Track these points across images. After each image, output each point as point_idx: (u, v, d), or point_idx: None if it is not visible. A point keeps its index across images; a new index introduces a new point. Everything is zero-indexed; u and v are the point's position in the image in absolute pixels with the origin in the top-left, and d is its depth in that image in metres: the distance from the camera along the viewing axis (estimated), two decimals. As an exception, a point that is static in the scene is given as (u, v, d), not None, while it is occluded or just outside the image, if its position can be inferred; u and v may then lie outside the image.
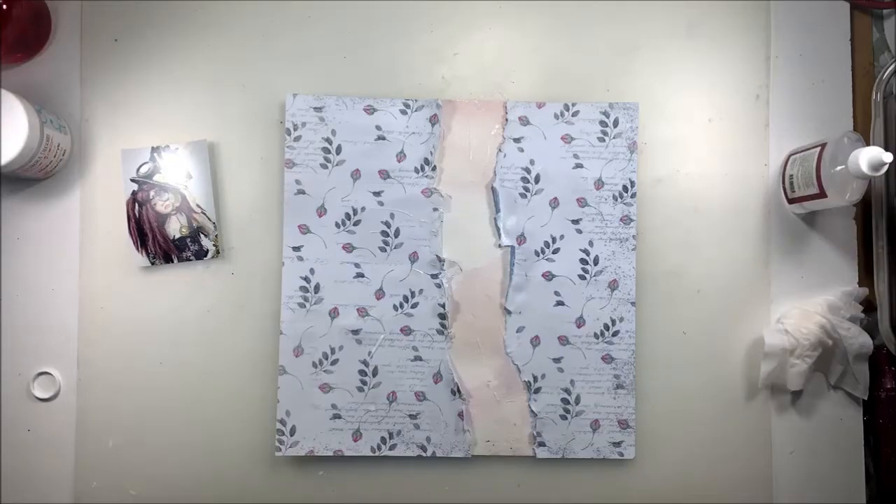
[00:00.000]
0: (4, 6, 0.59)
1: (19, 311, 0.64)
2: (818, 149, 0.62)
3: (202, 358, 0.64)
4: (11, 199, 0.64)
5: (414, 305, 0.64)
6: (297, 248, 0.64)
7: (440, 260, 0.64)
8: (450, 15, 0.67)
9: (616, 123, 0.65)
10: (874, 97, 0.67)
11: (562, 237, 0.65)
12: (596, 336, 0.64)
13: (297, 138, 0.64)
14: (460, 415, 0.64)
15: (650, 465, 0.65)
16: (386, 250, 0.64)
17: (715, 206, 0.67)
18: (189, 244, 0.64)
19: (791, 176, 0.65)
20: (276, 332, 0.63)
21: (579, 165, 0.65)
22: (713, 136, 0.67)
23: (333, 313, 0.63)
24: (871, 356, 0.65)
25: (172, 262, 0.64)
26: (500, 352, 0.64)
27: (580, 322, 0.64)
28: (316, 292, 0.63)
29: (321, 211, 0.64)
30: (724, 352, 0.66)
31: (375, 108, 0.64)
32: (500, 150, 0.65)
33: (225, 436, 0.64)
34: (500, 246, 0.65)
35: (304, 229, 0.64)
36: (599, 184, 0.65)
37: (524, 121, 0.65)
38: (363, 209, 0.64)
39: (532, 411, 0.64)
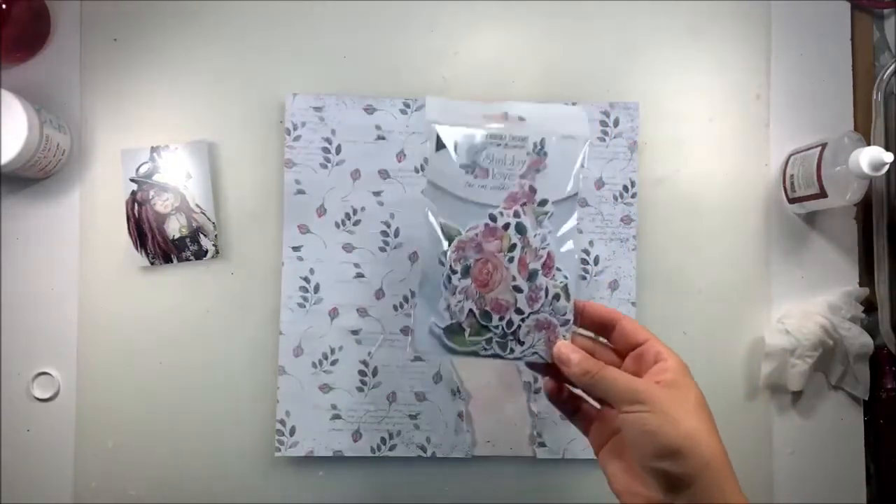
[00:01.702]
0: (4, 6, 0.59)
1: (19, 311, 0.64)
2: (819, 149, 0.62)
3: (202, 358, 0.64)
4: (11, 199, 0.64)
5: (414, 306, 0.64)
6: (296, 248, 0.64)
7: (440, 260, 0.64)
8: (450, 15, 0.67)
9: (616, 123, 0.65)
10: (875, 97, 0.67)
11: (562, 237, 0.65)
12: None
13: (297, 138, 0.64)
14: (460, 415, 0.64)
15: (650, 466, 0.65)
16: (386, 250, 0.64)
17: (715, 206, 0.67)
18: (188, 244, 0.64)
19: (792, 176, 0.65)
20: (275, 332, 0.63)
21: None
22: (713, 136, 0.67)
23: (333, 313, 0.63)
24: (872, 356, 0.65)
25: (172, 262, 0.64)
26: (500, 352, 0.64)
27: (580, 322, 0.64)
28: (316, 292, 0.63)
29: (321, 211, 0.64)
30: (725, 352, 0.66)
31: (375, 107, 0.64)
32: (500, 150, 0.65)
33: (225, 436, 0.64)
34: (500, 246, 0.65)
35: (304, 229, 0.64)
36: (600, 183, 0.65)
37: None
38: (363, 209, 0.64)
39: (532, 412, 0.64)
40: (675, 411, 0.39)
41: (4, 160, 0.57)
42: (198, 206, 0.64)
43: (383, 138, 0.64)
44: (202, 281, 0.64)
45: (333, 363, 0.63)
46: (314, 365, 0.63)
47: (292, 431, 0.63)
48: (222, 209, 0.65)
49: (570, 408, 0.47)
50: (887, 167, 0.56)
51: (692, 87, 0.68)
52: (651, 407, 0.40)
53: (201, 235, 0.64)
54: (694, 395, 0.41)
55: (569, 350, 0.44)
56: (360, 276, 0.64)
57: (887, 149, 0.59)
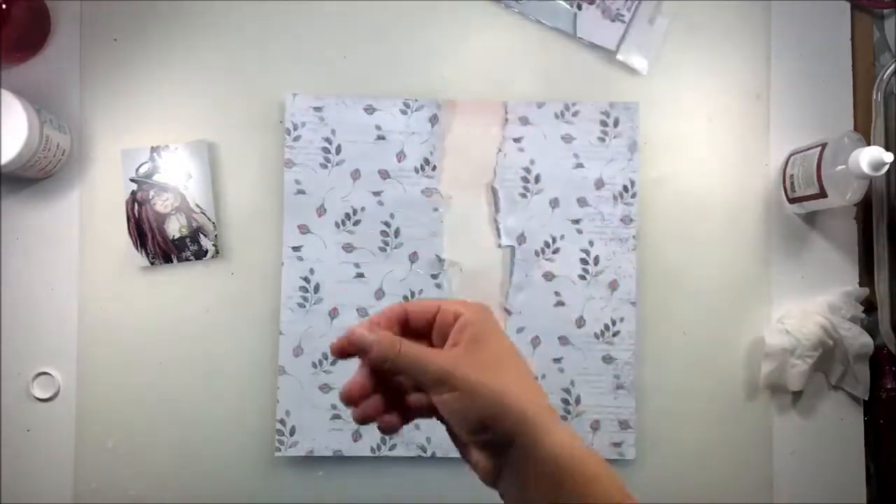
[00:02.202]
0: (4, 6, 0.59)
1: (19, 311, 0.64)
2: (819, 149, 0.62)
3: (202, 358, 0.64)
4: (11, 199, 0.64)
5: None
6: (296, 248, 0.64)
7: (440, 260, 0.64)
8: (450, 14, 0.67)
9: (616, 123, 0.65)
10: (875, 97, 0.67)
11: (562, 237, 0.65)
12: (596, 336, 0.64)
13: (297, 138, 0.64)
14: (460, 415, 0.63)
15: (650, 466, 0.65)
16: (386, 250, 0.64)
17: (715, 206, 0.67)
18: (188, 244, 0.64)
19: (792, 176, 0.65)
20: (275, 332, 0.63)
21: (579, 165, 0.65)
22: (713, 136, 0.67)
23: (333, 313, 0.63)
24: (872, 356, 0.65)
25: (172, 262, 0.64)
26: (500, 352, 0.64)
27: (580, 322, 0.64)
28: (316, 292, 0.63)
29: (321, 211, 0.64)
30: (724, 352, 0.66)
31: (375, 107, 0.64)
32: (500, 149, 0.65)
33: (225, 436, 0.64)
34: (500, 246, 0.65)
35: (304, 229, 0.64)
36: (600, 184, 0.65)
37: (524, 120, 0.65)
38: (363, 209, 0.64)
39: (532, 411, 0.64)
40: (479, 376, 0.36)
41: (4, 160, 0.57)
42: (198, 206, 0.64)
43: (383, 138, 0.64)
44: (202, 281, 0.64)
45: (333, 363, 0.63)
46: (314, 365, 0.63)
47: (292, 431, 0.63)
48: (222, 209, 0.65)
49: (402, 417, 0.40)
50: (887, 167, 0.56)
51: (692, 87, 0.68)
52: (455, 384, 0.36)
53: (201, 235, 0.64)
54: (497, 347, 0.38)
55: (362, 330, 0.37)
56: (360, 276, 0.64)
57: (887, 149, 0.59)
